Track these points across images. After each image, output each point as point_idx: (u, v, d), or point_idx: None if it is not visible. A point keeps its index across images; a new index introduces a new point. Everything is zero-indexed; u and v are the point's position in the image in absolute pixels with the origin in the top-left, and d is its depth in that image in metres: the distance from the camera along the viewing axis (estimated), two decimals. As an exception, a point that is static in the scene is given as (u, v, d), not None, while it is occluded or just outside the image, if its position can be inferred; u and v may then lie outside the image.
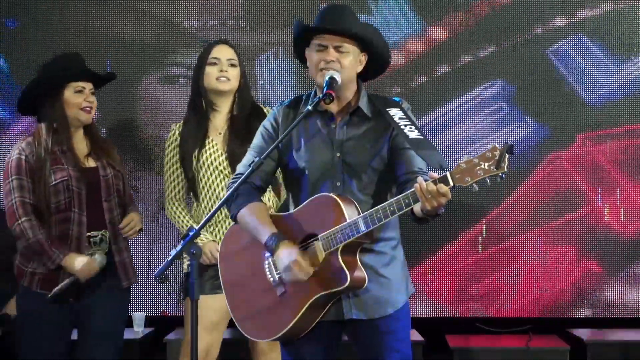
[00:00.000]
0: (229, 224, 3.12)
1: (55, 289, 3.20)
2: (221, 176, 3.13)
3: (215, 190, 3.16)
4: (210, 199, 3.17)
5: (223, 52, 3.07)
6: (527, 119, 3.96)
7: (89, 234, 3.03)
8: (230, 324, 3.26)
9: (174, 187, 3.22)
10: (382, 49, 2.43)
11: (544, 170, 3.95)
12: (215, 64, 3.03)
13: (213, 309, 3.10)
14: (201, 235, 3.15)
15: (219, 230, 3.23)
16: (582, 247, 3.95)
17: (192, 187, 3.20)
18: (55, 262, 3.02)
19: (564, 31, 3.94)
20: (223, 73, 3.04)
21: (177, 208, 3.24)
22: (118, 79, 3.66)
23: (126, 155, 3.91)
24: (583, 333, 3.75)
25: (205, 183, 3.17)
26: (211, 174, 3.14)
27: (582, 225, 3.94)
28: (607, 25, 3.94)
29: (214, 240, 3.22)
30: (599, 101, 3.95)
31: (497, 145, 2.08)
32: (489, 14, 3.97)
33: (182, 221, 3.22)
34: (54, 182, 2.98)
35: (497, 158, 2.06)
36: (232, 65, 3.08)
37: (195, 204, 3.20)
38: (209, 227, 3.25)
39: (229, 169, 3.11)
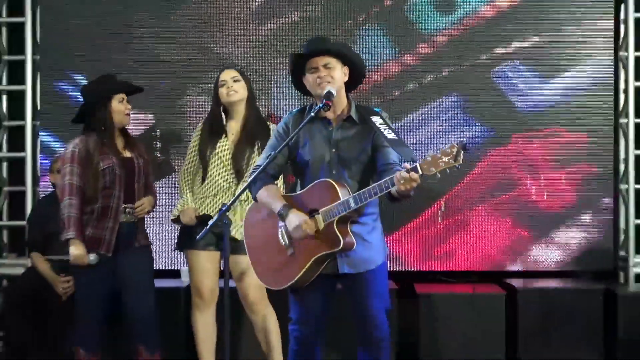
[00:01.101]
0: (219, 199, 3.46)
1: (55, 257, 3.66)
2: (223, 167, 3.45)
3: (215, 177, 3.47)
4: (211, 182, 3.48)
5: (228, 74, 3.41)
6: (475, 123, 4.36)
7: (124, 205, 3.35)
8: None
9: (189, 163, 3.53)
10: (356, 60, 2.66)
11: (487, 161, 4.37)
12: (223, 84, 3.37)
13: (207, 260, 3.47)
14: (188, 201, 3.48)
15: (210, 202, 3.49)
16: (515, 218, 4.36)
17: (203, 170, 3.47)
18: (64, 238, 3.28)
19: (503, 57, 4.33)
20: (230, 89, 3.37)
21: (184, 178, 3.54)
22: (169, 93, 4.30)
23: (172, 150, 4.39)
24: (515, 282, 4.20)
25: (210, 170, 3.46)
26: (217, 165, 3.45)
27: (515, 202, 4.36)
28: (534, 53, 4.34)
29: (194, 208, 3.47)
30: (529, 110, 4.36)
31: (455, 144, 2.28)
32: (447, 44, 4.37)
33: (183, 189, 3.55)
34: (102, 168, 3.31)
35: (454, 153, 2.27)
36: (236, 81, 3.37)
37: (200, 184, 3.48)
38: (201, 199, 3.49)
39: (232, 163, 3.44)
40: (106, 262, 3.29)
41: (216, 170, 3.41)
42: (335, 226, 2.50)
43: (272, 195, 2.63)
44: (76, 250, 3.20)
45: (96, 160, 3.28)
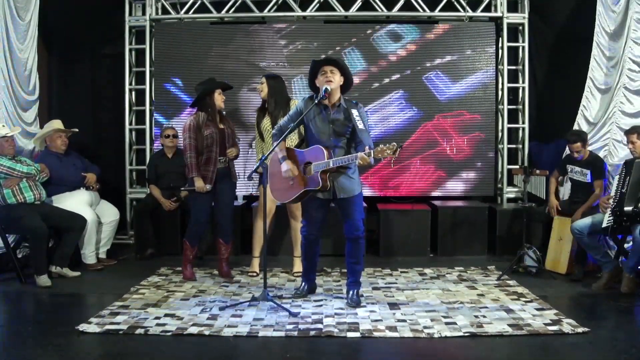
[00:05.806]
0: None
1: (188, 188, 4.02)
2: (268, 133, 4.14)
3: (266, 140, 4.17)
4: (265, 142, 4.15)
5: (261, 80, 4.21)
6: (413, 107, 5.43)
7: (219, 157, 3.98)
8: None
9: (256, 131, 4.19)
10: (348, 73, 3.30)
11: (420, 130, 5.46)
12: (259, 89, 4.18)
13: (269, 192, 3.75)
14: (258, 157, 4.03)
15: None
16: (437, 165, 5.44)
17: (260, 135, 4.20)
18: (190, 176, 3.86)
19: (430, 68, 5.45)
20: (259, 90, 4.22)
21: (257, 144, 4.23)
22: (232, 90, 4.67)
23: (235, 124, 4.57)
24: (436, 203, 5.24)
25: (263, 134, 4.17)
26: (265, 131, 4.18)
27: (437, 155, 5.44)
28: (448, 65, 5.43)
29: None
30: (444, 100, 5.44)
31: (395, 144, 2.89)
32: (396, 60, 5.44)
33: (257, 146, 4.22)
34: (206, 134, 3.92)
35: (394, 149, 2.88)
36: (262, 84, 4.20)
37: (261, 142, 4.22)
38: (262, 153, 4.03)
39: (271, 130, 3.99)
40: (209, 190, 4.02)
41: (266, 135, 4.25)
42: (319, 175, 3.17)
43: (280, 148, 3.33)
44: (199, 183, 3.95)
45: (203, 129, 3.93)
